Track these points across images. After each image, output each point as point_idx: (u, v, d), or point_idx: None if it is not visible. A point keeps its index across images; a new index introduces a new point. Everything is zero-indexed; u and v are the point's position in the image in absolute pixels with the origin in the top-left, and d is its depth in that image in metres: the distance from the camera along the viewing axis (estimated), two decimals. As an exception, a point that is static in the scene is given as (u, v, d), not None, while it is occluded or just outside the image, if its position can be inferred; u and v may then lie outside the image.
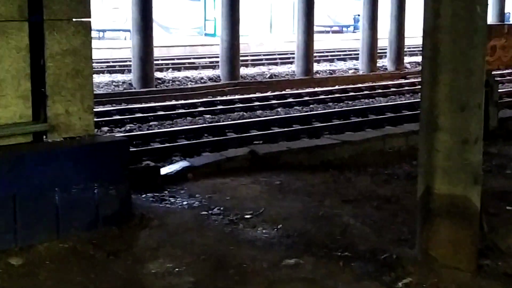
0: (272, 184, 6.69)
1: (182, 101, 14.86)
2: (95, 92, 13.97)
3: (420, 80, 4.72)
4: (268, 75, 19.75)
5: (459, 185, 4.46)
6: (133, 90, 16.44)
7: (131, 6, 17.07)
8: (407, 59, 23.39)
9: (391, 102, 15.52)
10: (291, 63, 22.42)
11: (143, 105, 14.35)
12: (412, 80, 19.12)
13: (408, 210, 5.67)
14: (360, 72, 20.75)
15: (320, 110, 14.13)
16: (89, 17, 5.29)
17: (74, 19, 5.23)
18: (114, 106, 14.16)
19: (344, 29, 38.44)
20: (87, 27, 5.29)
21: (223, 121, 12.67)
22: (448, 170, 4.47)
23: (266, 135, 11.17)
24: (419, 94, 4.63)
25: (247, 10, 30.27)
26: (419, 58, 22.48)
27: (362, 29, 21.11)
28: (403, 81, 19.34)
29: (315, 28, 21.08)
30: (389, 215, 5.78)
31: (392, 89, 17.53)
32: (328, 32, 36.24)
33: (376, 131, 9.40)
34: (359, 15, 31.18)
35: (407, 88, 17.72)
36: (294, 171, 7.27)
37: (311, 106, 14.85)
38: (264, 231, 5.35)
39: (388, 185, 6.82)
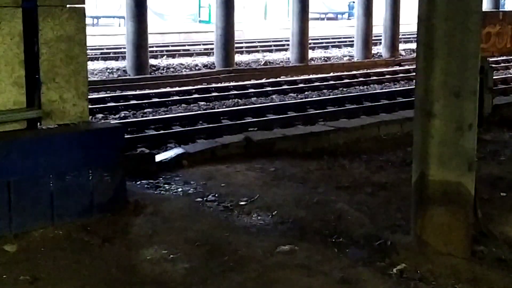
0: (267, 171, 6.70)
1: (177, 88, 14.82)
2: (89, 79, 13.92)
3: (414, 67, 4.72)
4: (263, 62, 19.71)
5: (453, 172, 4.47)
6: (128, 77, 16.39)
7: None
8: (402, 46, 23.36)
9: (386, 89, 15.51)
10: (286, 50, 22.36)
11: (138, 92, 14.31)
12: (407, 67, 19.11)
13: (403, 197, 5.69)
14: (355, 59, 20.73)
15: (315, 97, 14.12)
16: (83, 3, 5.27)
17: (68, 5, 5.21)
18: (109, 93, 14.12)
19: (339, 16, 38.40)
20: (81, 13, 5.27)
21: (218, 108, 12.64)
22: (443, 156, 4.48)
23: (261, 122, 11.13)
24: (414, 81, 4.63)
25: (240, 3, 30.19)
26: (414, 45, 22.46)
27: (357, 16, 21.06)
28: (397, 68, 19.33)
29: (310, 15, 21.02)
30: (384, 201, 5.80)
31: (387, 76, 17.52)
32: (323, 19, 36.19)
33: (371, 118, 9.40)
34: (354, 2, 31.14)
35: (401, 75, 17.71)
36: (289, 158, 7.28)
37: (306, 93, 14.84)
38: (259, 217, 5.36)
39: (382, 171, 6.84)
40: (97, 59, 19.79)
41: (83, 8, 5.27)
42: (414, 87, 4.68)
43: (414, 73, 4.68)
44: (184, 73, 17.32)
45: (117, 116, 11.94)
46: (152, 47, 21.52)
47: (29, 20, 5.10)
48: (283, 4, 35.80)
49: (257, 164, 6.93)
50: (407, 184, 5.10)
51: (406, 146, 7.48)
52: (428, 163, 4.50)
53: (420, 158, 4.58)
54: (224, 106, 12.95)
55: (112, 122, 10.58)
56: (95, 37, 24.69)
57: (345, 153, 7.58)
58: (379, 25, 22.60)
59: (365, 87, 15.95)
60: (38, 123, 5.22)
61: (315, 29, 30.37)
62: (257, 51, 22.91)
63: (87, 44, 5.40)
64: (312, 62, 20.21)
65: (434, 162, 4.49)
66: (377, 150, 7.75)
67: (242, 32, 28.20)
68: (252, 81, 16.20)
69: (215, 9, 18.28)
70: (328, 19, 36.33)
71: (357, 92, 14.84)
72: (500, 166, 7.05)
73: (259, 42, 26.23)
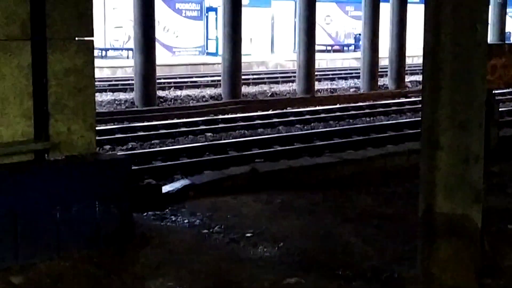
0: (273, 203, 6.67)
1: (184, 120, 14.88)
2: (97, 111, 13.97)
3: (421, 99, 4.73)
4: (270, 94, 19.80)
5: (460, 204, 4.45)
6: (135, 108, 16.47)
7: (134, 26, 17.17)
8: (408, 78, 23.44)
9: (392, 120, 15.53)
10: (292, 81, 22.46)
11: (145, 123, 14.37)
12: (413, 98, 19.14)
13: (409, 229, 5.65)
14: (361, 91, 20.79)
15: (321, 129, 14.14)
16: (92, 36, 5.32)
17: (76, 38, 5.26)
18: (116, 125, 14.18)
19: (346, 48, 38.57)
20: (90, 46, 5.31)
21: (224, 139, 12.67)
22: (449, 188, 4.45)
23: (267, 153, 11.16)
24: (420, 112, 4.63)
25: (248, 29, 30.43)
26: (420, 77, 22.51)
27: (363, 48, 21.18)
28: (404, 99, 19.36)
29: (316, 47, 21.15)
30: (391, 233, 5.76)
31: (393, 108, 17.54)
32: (329, 51, 36.35)
33: (378, 150, 9.40)
34: (360, 34, 31.31)
35: (408, 106, 17.73)
36: (295, 189, 7.25)
37: (312, 124, 14.87)
38: (265, 249, 5.33)
39: (389, 203, 6.81)
40: (105, 91, 19.92)
41: (92, 41, 5.32)
42: (420, 119, 4.68)
43: (421, 105, 4.69)
44: (192, 104, 17.39)
45: (124, 147, 11.98)
46: (160, 79, 21.66)
47: (38, 52, 5.15)
48: (289, 36, 36.02)
49: (264, 195, 6.91)
50: (414, 216, 5.08)
51: (413, 178, 7.45)
52: (435, 195, 4.48)
53: (426, 190, 4.55)
54: (230, 138, 12.98)
55: (119, 153, 10.61)
56: (103, 69, 24.92)
57: (352, 185, 7.56)
58: (385, 57, 22.71)
59: (372, 118, 15.97)
60: (46, 155, 5.24)
61: (322, 61, 30.57)
62: (264, 83, 23.02)
63: (95, 76, 5.44)
64: (319, 93, 20.27)
65: (440, 194, 4.46)
66: (383, 182, 7.73)
67: (249, 64, 28.36)
68: (259, 113, 16.25)
69: (222, 42, 18.43)
70: (335, 51, 36.51)
71: (364, 124, 14.86)
72: (507, 198, 7.01)
73: (265, 74, 26.38)
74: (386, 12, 22.24)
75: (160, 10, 30.33)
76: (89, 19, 5.30)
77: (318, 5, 20.25)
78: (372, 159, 8.40)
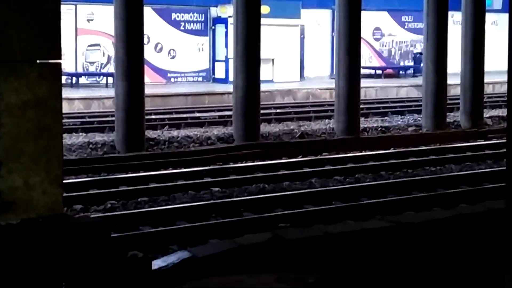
0: (304, 284, 6.62)
1: (182, 170, 14.88)
2: (65, 158, 14.03)
3: (506, 141, 4.69)
4: (299, 134, 19.81)
5: None
6: (117, 154, 16.52)
7: (115, 43, 17.37)
8: (487, 112, 23.43)
9: (466, 170, 15.44)
10: (329, 117, 22.48)
11: (130, 175, 14.38)
12: (495, 141, 19.06)
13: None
14: (424, 130, 20.75)
15: (369, 182, 14.08)
16: (59, 57, 5.37)
17: (38, 61, 5.30)
18: (91, 177, 14.21)
19: (402, 72, 38.71)
20: (56, 70, 5.35)
21: (237, 197, 12.64)
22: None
23: (295, 215, 11.11)
24: (505, 160, 4.60)
25: (270, 47, 30.67)
26: (504, 111, 22.48)
27: (426, 72, 21.21)
28: (482, 142, 19.29)
29: (362, 71, 21.24)
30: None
31: (468, 153, 17.46)
32: (379, 76, 36.51)
33: (447, 211, 9.33)
34: (421, 54, 31.45)
35: (488, 151, 17.65)
36: (334, 265, 7.20)
37: (357, 176, 14.81)
38: None
39: (462, 286, 6.72)
40: (76, 130, 20.03)
41: (59, 64, 5.36)
42: (505, 168, 4.65)
43: (506, 150, 4.65)
44: (193, 149, 17.44)
45: (101, 207, 11.98)
46: (150, 114, 21.78)
47: (-13, 80, 5.20)
48: (325, 57, 36.28)
49: (291, 274, 6.85)
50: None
51: (495, 248, 7.37)
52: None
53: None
54: (245, 194, 12.94)
55: (94, 216, 10.61)
56: (74, 102, 25.17)
57: (412, 260, 7.48)
58: (456, 84, 22.73)
59: (438, 168, 15.89)
60: (-5, 218, 5.25)
61: (369, 90, 30.68)
62: (291, 119, 23.08)
63: (64, 111, 5.47)
64: (365, 134, 20.27)
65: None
66: (455, 255, 7.64)
67: (271, 94, 28.52)
68: (284, 160, 16.23)
69: (234, 64, 18.54)
70: (387, 76, 36.66)
71: (427, 175, 14.79)
72: None
73: (293, 107, 26.48)
74: (455, 24, 22.34)
75: (151, 22, 30.77)
76: (56, 35, 5.35)
77: (364, 14, 20.42)
78: (439, 223, 8.33)
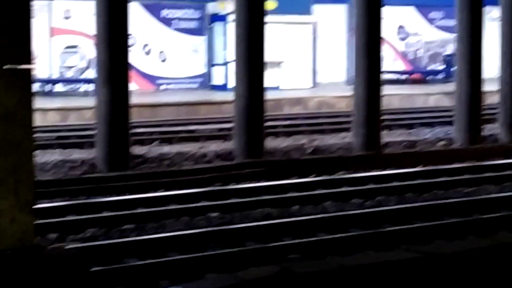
0: (317, 325, 6.60)
1: (175, 192, 14.86)
2: (38, 179, 14.01)
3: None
4: (311, 150, 19.80)
5: None
6: (98, 174, 16.51)
7: (96, 45, 17.37)
8: (530, 124, 23.38)
9: (506, 192, 15.40)
10: (345, 130, 22.44)
11: (113, 198, 14.35)
12: (539, 157, 19.06)
13: None
14: (456, 145, 20.71)
15: (392, 205, 14.04)
16: (30, 63, 5.38)
17: (5, 66, 5.31)
18: (68, 200, 14.18)
19: (430, 77, 38.72)
20: (27, 77, 5.37)
21: (239, 223, 12.61)
22: None
23: (307, 244, 11.08)
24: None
25: (277, 49, 30.71)
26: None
27: (459, 77, 21.19)
28: (525, 158, 19.29)
29: (384, 76, 21.22)
30: None
31: (508, 172, 17.44)
32: (404, 81, 36.53)
33: (484, 240, 9.30)
34: (452, 56, 31.43)
35: (532, 170, 17.65)
36: (352, 303, 7.19)
37: (378, 198, 14.78)
38: None
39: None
40: (50, 146, 20.02)
41: (30, 70, 5.38)
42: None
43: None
44: (187, 167, 17.42)
45: (80, 235, 11.96)
46: (137, 127, 21.74)
47: None
48: (340, 60, 36.29)
49: (302, 313, 6.85)
50: None
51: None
52: None
53: None
54: (248, 220, 12.92)
55: (71, 246, 10.59)
56: (48, 113, 25.17)
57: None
58: (494, 91, 22.69)
59: (474, 189, 15.86)
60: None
61: (393, 98, 30.63)
62: (301, 133, 23.05)
63: (36, 124, 5.47)
64: (388, 149, 20.23)
65: None
66: (494, 290, 7.63)
67: (278, 103, 28.53)
68: (293, 180, 16.20)
69: (235, 69, 18.55)
70: (413, 82, 36.69)
71: (461, 198, 14.75)
72: None
73: (304, 118, 26.47)
74: (493, 21, 22.33)
75: (138, 19, 30.83)
76: (26, 37, 5.36)
77: (386, 10, 20.38)
78: (476, 253, 8.31)
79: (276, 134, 22.31)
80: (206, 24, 34.42)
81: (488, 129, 22.40)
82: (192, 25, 34.28)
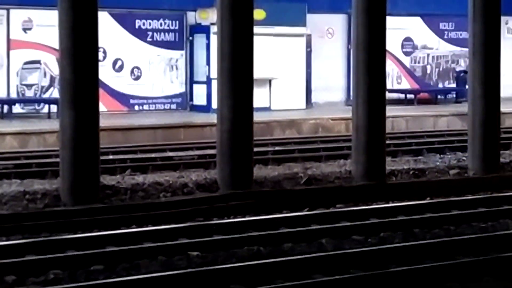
0: None
1: (150, 228, 14.84)
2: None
3: None
4: (304, 180, 19.80)
5: None
6: (62, 208, 16.47)
7: (60, 59, 17.35)
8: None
9: (528, 227, 15.46)
10: (345, 157, 22.48)
11: (79, 235, 14.32)
12: None
13: None
14: (470, 173, 20.74)
15: (398, 243, 14.04)
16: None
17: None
18: (28, 238, 14.13)
19: (440, 96, 38.82)
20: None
21: (222, 264, 12.58)
22: None
23: (301, 287, 11.08)
24: None
25: (266, 64, 30.74)
26: None
27: (472, 97, 21.22)
28: (548, 188, 19.32)
29: (388, 95, 21.26)
30: None
31: (530, 204, 17.48)
32: (411, 102, 36.60)
33: (503, 282, 9.31)
34: (465, 72, 31.52)
35: (556, 202, 17.67)
36: None
37: (382, 234, 14.80)
38: None
39: None
40: (8, 176, 19.99)
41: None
42: None
43: None
44: (164, 200, 17.40)
45: (41, 278, 11.92)
46: (108, 153, 21.76)
47: None
48: (338, 77, 36.31)
49: None
50: None
51: None
52: None
53: None
54: (234, 260, 12.91)
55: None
56: (5, 138, 25.12)
57: None
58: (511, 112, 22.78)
59: (490, 224, 15.88)
60: None
61: (398, 120, 30.69)
62: (294, 160, 23.09)
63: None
64: (393, 178, 20.24)
65: None
66: None
67: (268, 126, 28.55)
68: (286, 214, 16.20)
69: (218, 87, 18.54)
70: (421, 102, 36.75)
71: (476, 234, 14.76)
72: None
73: (297, 143, 26.51)
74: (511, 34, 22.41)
75: (109, 31, 30.85)
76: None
77: (390, 20, 20.45)
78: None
79: (266, 162, 22.31)
80: (186, 36, 34.45)
81: (506, 156, 22.45)
82: (169, 37, 34.27)
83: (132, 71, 33.51)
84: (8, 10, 31.38)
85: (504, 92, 21.69)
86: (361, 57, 19.63)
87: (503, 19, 21.81)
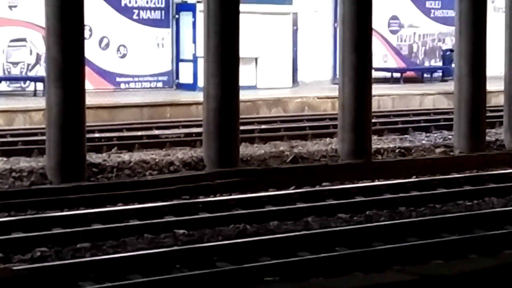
0: None
1: (136, 206, 14.84)
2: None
3: None
4: (291, 158, 19.81)
5: None
6: (48, 186, 16.46)
7: (46, 37, 17.31)
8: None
9: (512, 205, 15.50)
10: (330, 135, 22.49)
11: (65, 212, 14.32)
12: (550, 166, 19.14)
13: None
14: (456, 152, 20.76)
15: (383, 221, 14.08)
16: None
17: None
18: (14, 216, 14.13)
19: (426, 75, 38.85)
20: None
21: (209, 241, 12.61)
22: None
23: (286, 266, 11.07)
24: None
25: (252, 43, 30.71)
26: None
27: (459, 75, 21.24)
28: (533, 167, 19.37)
29: (374, 74, 21.26)
30: None
31: (514, 183, 17.53)
32: (397, 80, 36.63)
33: (487, 259, 9.32)
34: (451, 51, 31.56)
35: (541, 180, 17.72)
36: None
37: (368, 213, 14.82)
38: None
39: None
40: (-7, 154, 19.98)
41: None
42: None
43: None
44: (150, 178, 17.40)
45: (28, 256, 11.92)
46: (93, 131, 21.74)
47: None
48: (325, 55, 36.29)
49: None
50: None
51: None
52: None
53: None
54: (220, 237, 12.93)
55: (18, 267, 10.56)
56: (-10, 116, 25.07)
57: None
58: (498, 91, 22.78)
59: (475, 202, 15.92)
60: None
61: (384, 99, 30.72)
62: (280, 138, 23.08)
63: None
64: (379, 156, 20.27)
65: None
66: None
67: (254, 104, 28.55)
68: (271, 192, 16.21)
69: (205, 66, 18.53)
70: (407, 80, 36.78)
71: (461, 212, 14.81)
72: None
73: (283, 122, 26.51)
74: (497, 12, 22.40)
75: (95, 9, 30.76)
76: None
77: (376, -1, 20.44)
78: (478, 275, 8.34)
79: (252, 140, 22.30)
80: (171, 14, 34.37)
81: (492, 134, 22.48)
82: (156, 15, 34.20)
83: (118, 49, 33.43)
84: (-7, -13, 31.29)
85: (491, 71, 21.69)
86: (347, 35, 19.62)
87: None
